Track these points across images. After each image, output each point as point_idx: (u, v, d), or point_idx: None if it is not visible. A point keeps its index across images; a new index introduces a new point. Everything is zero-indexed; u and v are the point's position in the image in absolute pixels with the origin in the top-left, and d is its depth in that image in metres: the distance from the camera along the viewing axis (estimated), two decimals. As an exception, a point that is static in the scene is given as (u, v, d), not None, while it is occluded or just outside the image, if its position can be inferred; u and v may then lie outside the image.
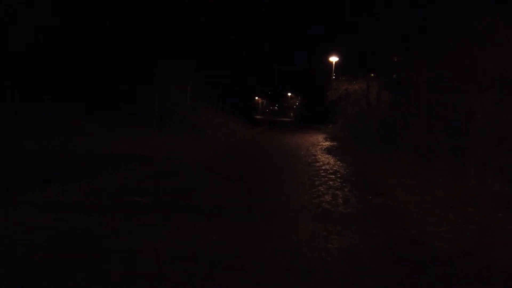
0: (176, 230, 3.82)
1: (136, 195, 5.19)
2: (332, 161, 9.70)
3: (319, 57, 33.23)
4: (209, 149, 11.33)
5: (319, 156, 10.77)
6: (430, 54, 8.58)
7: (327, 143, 15.26)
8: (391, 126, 15.91)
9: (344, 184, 6.58)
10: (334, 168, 8.40)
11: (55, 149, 8.75)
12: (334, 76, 31.38)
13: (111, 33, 14.42)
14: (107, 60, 14.28)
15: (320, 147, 13.58)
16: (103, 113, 13.06)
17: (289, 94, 70.87)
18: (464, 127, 7.16)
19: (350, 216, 4.61)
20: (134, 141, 11.08)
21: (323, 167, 8.49)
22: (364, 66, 21.80)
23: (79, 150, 8.87)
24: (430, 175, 6.98)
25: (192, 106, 22.42)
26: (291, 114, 68.82)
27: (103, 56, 14.12)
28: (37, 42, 11.99)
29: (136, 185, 6.03)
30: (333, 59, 26.61)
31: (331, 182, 6.72)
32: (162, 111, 15.77)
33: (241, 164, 9.07)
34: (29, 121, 10.57)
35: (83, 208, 4.47)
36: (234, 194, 5.59)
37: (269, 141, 16.30)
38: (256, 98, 73.20)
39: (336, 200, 5.38)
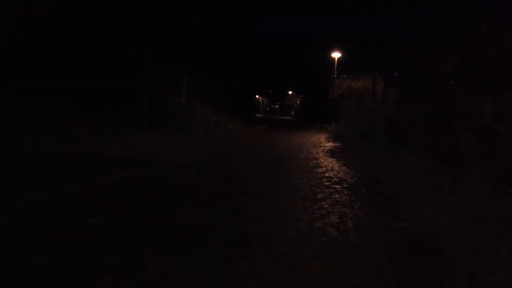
0: (120, 272, 2.61)
1: (92, 213, 4.00)
2: (336, 166, 8.46)
3: (321, 54, 32.01)
4: (199, 151, 10.12)
5: (322, 159, 9.53)
6: (455, 41, 7.34)
7: (330, 144, 14.01)
8: (401, 125, 14.65)
9: (353, 198, 5.34)
10: (340, 176, 7.16)
11: (28, 149, 7.58)
12: (335, 74, 30.18)
13: (98, 24, 13.21)
14: (94, 53, 13.08)
15: (322, 148, 12.34)
16: (90, 110, 11.88)
17: (290, 92, 69.59)
18: (498, 126, 5.92)
19: (366, 251, 3.37)
20: (119, 142, 9.89)
21: (327, 174, 7.26)
22: (370, 61, 20.56)
23: (55, 151, 7.70)
24: (457, 185, 5.74)
25: (187, 104, 21.25)
26: (292, 112, 67.56)
27: (89, 49, 12.91)
28: (15, 30, 10.85)
29: (100, 198, 4.84)
30: (336, 55, 25.32)
31: (336, 195, 5.49)
32: (153, 110, 14.56)
33: (232, 170, 7.84)
34: (7, 117, 9.43)
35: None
36: (215, 215, 4.36)
37: (268, 141, 15.08)
38: (257, 96, 71.99)
39: (345, 223, 4.14)
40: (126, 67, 14.45)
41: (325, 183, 6.36)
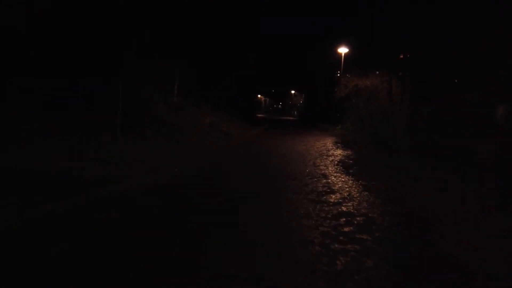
0: None
1: None
2: (354, 190, 6.10)
3: (325, 51, 29.65)
4: (178, 164, 7.83)
5: (333, 177, 7.17)
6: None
7: (339, 152, 11.64)
8: (428, 130, 12.27)
9: (399, 273, 3.00)
10: (364, 211, 4.81)
11: None
12: (341, 71, 27.84)
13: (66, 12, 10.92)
14: (61, 46, 10.79)
15: (331, 158, 9.97)
16: (54, 111, 9.61)
17: (293, 92, 67.14)
18: None
19: None
20: (84, 151, 7.60)
21: (344, 208, 4.91)
22: (384, 56, 18.20)
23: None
24: None
25: (179, 105, 18.95)
26: (294, 112, 65.17)
27: (55, 41, 10.63)
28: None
29: None
30: (342, 50, 22.89)
31: (368, 263, 3.14)
32: (133, 111, 12.26)
33: (209, 198, 5.49)
34: None
35: None
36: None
37: (265, 148, 12.74)
38: (259, 96, 69.66)
39: None
40: (103, 61, 12.15)
41: (345, 229, 4.01)
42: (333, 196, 5.56)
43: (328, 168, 8.32)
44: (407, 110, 12.94)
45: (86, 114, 10.58)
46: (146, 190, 5.66)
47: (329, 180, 6.83)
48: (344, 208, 4.87)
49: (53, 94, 9.83)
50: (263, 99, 74.85)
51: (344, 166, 8.61)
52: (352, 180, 6.92)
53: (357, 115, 19.58)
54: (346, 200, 5.32)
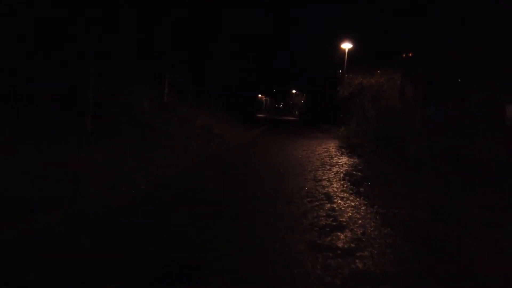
0: None
1: None
2: (371, 225, 4.35)
3: (329, 45, 27.94)
4: (151, 174, 6.19)
5: (339, 201, 5.44)
6: None
7: (345, 160, 9.90)
8: (438, 131, 10.55)
9: None
10: (391, 270, 3.08)
11: None
12: (340, 72, 26.22)
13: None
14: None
15: (335, 169, 8.24)
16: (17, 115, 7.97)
17: (294, 91, 65.28)
18: None
19: None
20: (35, 161, 5.93)
21: (359, 264, 3.19)
22: (394, 52, 16.51)
23: None
24: None
25: (169, 105, 17.29)
26: (296, 112, 63.42)
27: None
28: None
29: None
30: (346, 45, 21.11)
31: None
32: (110, 112, 10.59)
33: (155, 244, 3.77)
34: None
35: None
36: None
37: (260, 153, 11.03)
38: (259, 96, 67.94)
39: None
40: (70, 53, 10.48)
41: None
42: (342, 237, 3.84)
43: (332, 184, 6.59)
44: (421, 109, 11.22)
45: (57, 116, 8.92)
46: (83, 222, 3.97)
47: (335, 205, 5.10)
48: (359, 264, 3.15)
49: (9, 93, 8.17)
50: (264, 98, 73.08)
51: (353, 181, 6.88)
52: (365, 204, 5.19)
53: (363, 116, 17.87)
54: (361, 245, 3.60)
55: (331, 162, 9.38)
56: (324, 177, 7.19)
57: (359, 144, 13.68)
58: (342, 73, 22.29)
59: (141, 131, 11.00)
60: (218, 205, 5.04)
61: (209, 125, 16.89)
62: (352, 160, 9.86)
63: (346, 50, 21.08)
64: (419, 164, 7.98)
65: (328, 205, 5.10)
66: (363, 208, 5.02)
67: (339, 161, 9.61)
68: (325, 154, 11.05)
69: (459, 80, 18.18)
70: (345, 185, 6.49)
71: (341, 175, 7.52)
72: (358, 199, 5.52)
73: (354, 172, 7.84)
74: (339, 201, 5.35)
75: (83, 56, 9.61)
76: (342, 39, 21.05)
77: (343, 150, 12.29)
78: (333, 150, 12.31)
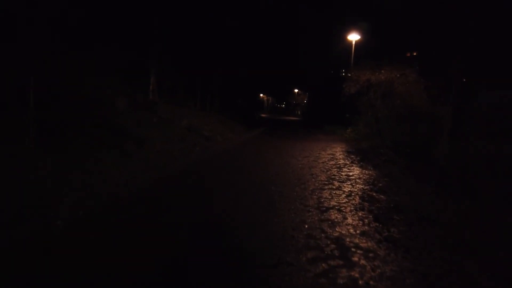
0: None
1: None
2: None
3: (333, 38, 25.65)
4: (91, 199, 3.99)
5: (361, 258, 3.19)
6: None
7: (358, 172, 7.63)
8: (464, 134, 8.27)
9: None
10: None
11: None
12: (343, 72, 23.99)
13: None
14: None
15: (348, 189, 5.97)
16: None
17: (296, 90, 62.89)
18: None
19: None
20: None
21: None
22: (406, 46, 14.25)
23: None
24: None
25: (151, 103, 15.11)
26: (298, 112, 61.10)
27: None
28: None
29: None
30: (353, 37, 18.76)
31: None
32: (67, 112, 8.42)
33: None
34: None
35: None
36: None
37: (252, 163, 8.79)
38: (261, 95, 65.68)
39: None
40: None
41: None
42: None
43: (345, 218, 4.32)
44: (452, 109, 8.93)
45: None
46: None
47: (356, 273, 2.85)
48: None
49: None
50: (265, 98, 70.77)
51: (376, 213, 4.59)
52: (409, 271, 2.92)
53: (373, 116, 15.58)
54: None
55: (340, 175, 7.10)
56: (332, 203, 4.93)
57: (371, 148, 11.39)
58: (348, 69, 19.97)
59: (106, 135, 8.77)
60: (154, 275, 2.78)
61: (197, 127, 14.66)
62: (366, 172, 7.58)
63: (354, 42, 18.73)
64: (462, 181, 5.68)
65: (344, 272, 2.84)
66: (409, 281, 2.75)
67: (351, 174, 7.32)
68: (332, 163, 8.77)
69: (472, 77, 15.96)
70: (366, 222, 4.21)
71: (357, 199, 5.25)
72: (393, 256, 3.24)
73: (375, 194, 5.55)
74: (362, 261, 3.08)
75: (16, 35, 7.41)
76: (348, 31, 18.70)
77: (352, 157, 10.01)
78: (340, 156, 10.03)
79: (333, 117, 25.39)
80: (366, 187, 6.04)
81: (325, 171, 7.55)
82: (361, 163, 8.83)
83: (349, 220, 4.22)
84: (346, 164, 8.68)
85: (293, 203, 4.87)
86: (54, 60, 9.04)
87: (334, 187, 6.00)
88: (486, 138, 7.62)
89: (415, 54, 18.00)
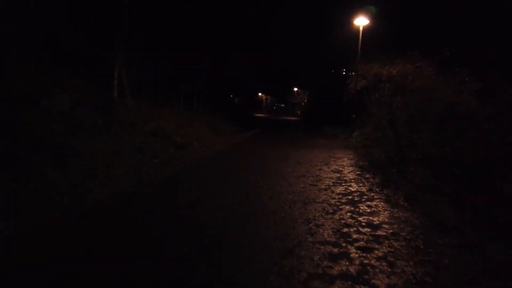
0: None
1: None
2: None
3: (336, 25, 22.61)
4: None
5: None
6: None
7: (386, 216, 4.51)
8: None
9: None
10: None
11: None
12: (344, 71, 21.06)
13: None
14: None
15: (385, 268, 2.89)
16: None
17: (295, 89, 59.65)
18: None
19: None
20: None
21: None
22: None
23: None
24: None
25: (109, 103, 11.93)
26: (298, 112, 57.99)
27: None
28: None
29: None
30: (361, 21, 15.55)
31: None
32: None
33: None
34: None
35: None
36: None
37: (225, 188, 5.68)
38: (259, 94, 62.62)
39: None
40: None
41: None
42: None
43: None
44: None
45: None
46: None
47: None
48: None
49: None
50: (264, 97, 67.60)
51: None
52: None
53: (385, 117, 12.48)
54: None
55: (358, 225, 3.97)
56: None
57: (388, 160, 8.29)
58: (354, 63, 16.83)
59: (16, 150, 5.65)
60: None
61: (169, 131, 11.52)
62: (401, 215, 4.43)
63: (361, 28, 15.51)
64: None
65: None
66: None
67: (375, 220, 4.20)
68: (339, 190, 5.65)
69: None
70: None
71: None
72: None
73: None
74: None
75: None
76: (355, 15, 15.49)
77: (368, 177, 6.88)
78: (351, 176, 6.90)
79: (335, 117, 22.32)
80: (417, 269, 2.91)
81: (331, 211, 4.43)
82: (385, 190, 5.69)
83: None
84: (362, 193, 5.54)
85: None
86: None
87: (352, 268, 2.88)
88: None
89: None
